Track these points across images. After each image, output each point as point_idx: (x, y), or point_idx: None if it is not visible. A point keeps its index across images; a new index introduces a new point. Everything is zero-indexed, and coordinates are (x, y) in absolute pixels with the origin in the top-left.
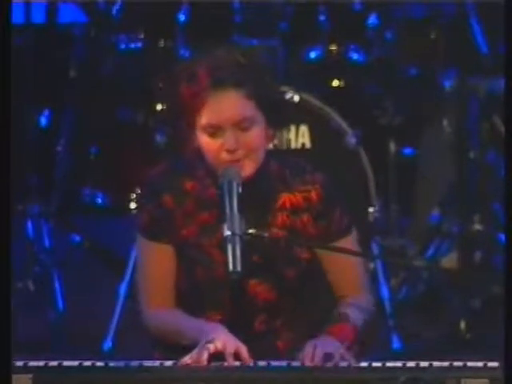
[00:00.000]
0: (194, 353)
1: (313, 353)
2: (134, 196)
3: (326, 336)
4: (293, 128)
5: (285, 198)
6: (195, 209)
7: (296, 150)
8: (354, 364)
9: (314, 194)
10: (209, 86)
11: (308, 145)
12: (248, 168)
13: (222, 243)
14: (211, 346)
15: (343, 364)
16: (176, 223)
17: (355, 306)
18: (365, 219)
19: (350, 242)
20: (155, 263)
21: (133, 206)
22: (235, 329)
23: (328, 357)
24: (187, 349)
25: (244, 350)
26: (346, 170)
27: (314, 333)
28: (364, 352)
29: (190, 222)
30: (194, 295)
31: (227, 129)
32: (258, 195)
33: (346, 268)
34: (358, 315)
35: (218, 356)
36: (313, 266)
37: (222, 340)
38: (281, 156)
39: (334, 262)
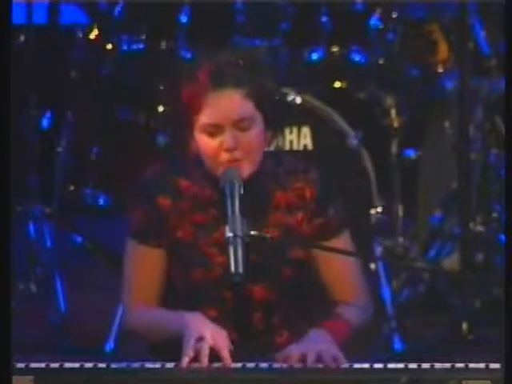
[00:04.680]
0: (188, 351)
1: (305, 356)
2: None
3: (319, 330)
4: (295, 129)
5: (279, 196)
6: (191, 209)
7: (298, 151)
8: (344, 365)
9: (307, 192)
10: (209, 86)
11: (310, 146)
12: (246, 170)
13: (218, 243)
14: (205, 344)
15: (337, 365)
16: (171, 225)
17: (351, 309)
18: (367, 220)
19: (344, 241)
20: (143, 267)
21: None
22: (233, 326)
23: (320, 358)
24: (171, 344)
25: (226, 338)
26: (348, 172)
27: (309, 326)
28: (357, 354)
29: (185, 222)
30: (189, 296)
31: (226, 128)
32: (254, 195)
33: (342, 270)
34: (353, 317)
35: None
36: (309, 266)
37: (210, 333)
38: (275, 155)
39: (328, 264)
